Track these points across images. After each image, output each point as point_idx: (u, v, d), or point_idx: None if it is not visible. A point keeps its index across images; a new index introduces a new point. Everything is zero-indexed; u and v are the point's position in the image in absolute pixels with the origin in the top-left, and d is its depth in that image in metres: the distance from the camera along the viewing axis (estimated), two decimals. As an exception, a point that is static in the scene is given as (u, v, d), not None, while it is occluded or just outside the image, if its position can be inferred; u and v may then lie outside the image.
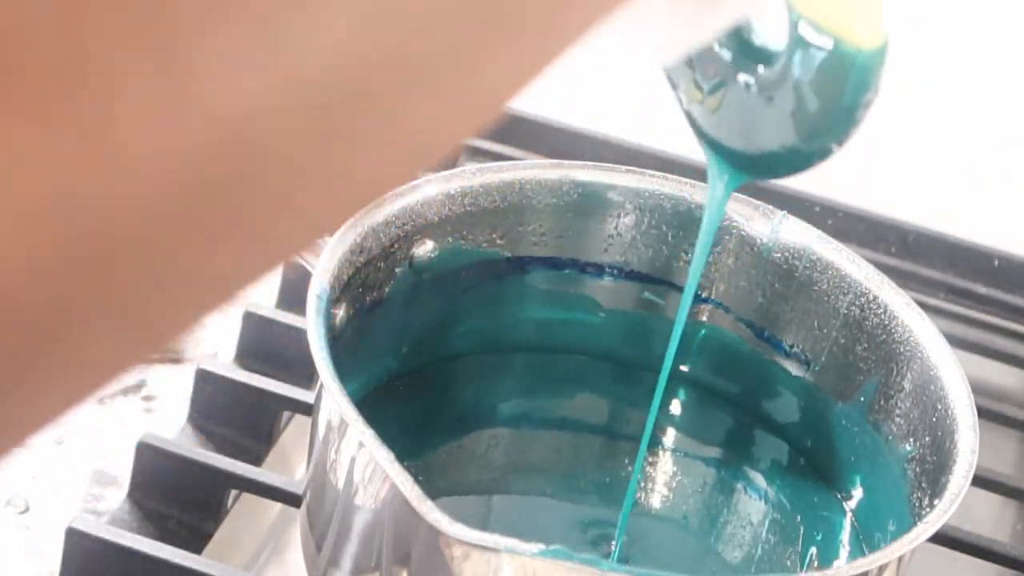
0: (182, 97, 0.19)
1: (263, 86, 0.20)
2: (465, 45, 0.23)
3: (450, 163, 0.87)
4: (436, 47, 0.23)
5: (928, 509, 0.52)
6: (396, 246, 0.59)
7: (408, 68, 0.22)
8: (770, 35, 0.37)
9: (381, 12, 0.21)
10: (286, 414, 0.67)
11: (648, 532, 0.60)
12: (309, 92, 0.21)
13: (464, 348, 0.64)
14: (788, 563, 0.59)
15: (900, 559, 0.49)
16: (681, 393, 0.66)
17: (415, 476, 0.44)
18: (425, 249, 0.60)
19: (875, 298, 0.60)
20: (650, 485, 0.62)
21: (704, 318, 0.65)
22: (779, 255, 0.63)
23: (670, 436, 0.65)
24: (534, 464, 0.63)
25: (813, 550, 0.59)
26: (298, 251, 0.26)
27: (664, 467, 0.63)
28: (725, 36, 0.38)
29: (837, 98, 0.36)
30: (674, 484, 0.63)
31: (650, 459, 0.63)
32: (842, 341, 0.62)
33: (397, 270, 0.59)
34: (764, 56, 0.38)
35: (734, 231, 0.63)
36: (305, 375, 0.67)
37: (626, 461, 0.62)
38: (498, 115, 0.26)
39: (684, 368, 0.66)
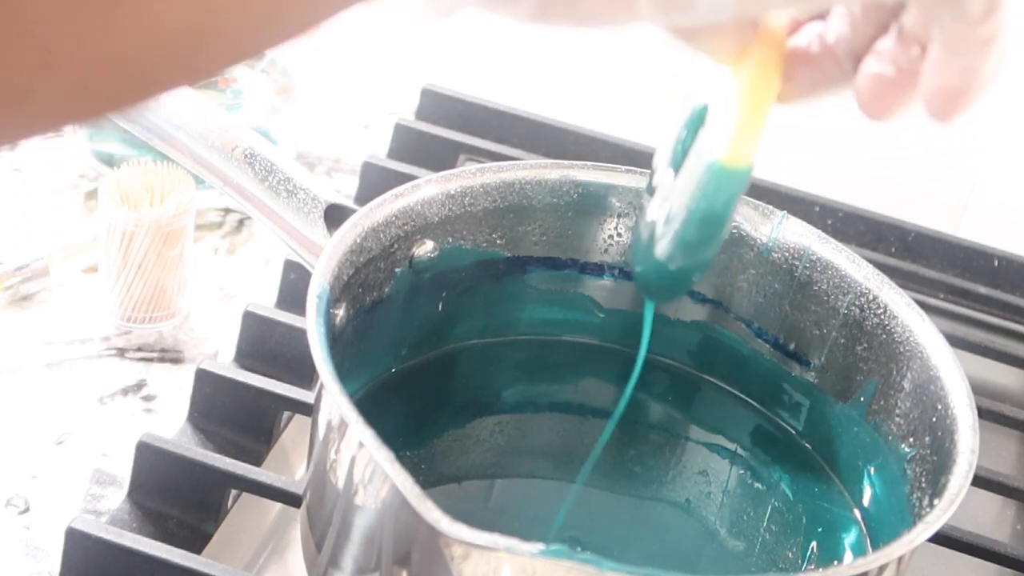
0: None
1: None
2: None
3: (450, 164, 0.87)
4: None
5: (928, 509, 0.52)
6: (396, 246, 0.59)
7: None
8: (669, 156, 0.48)
9: None
10: (286, 414, 0.67)
11: (649, 516, 0.60)
12: None
13: (464, 346, 0.64)
14: (789, 555, 0.59)
15: (900, 559, 0.49)
16: (683, 383, 0.66)
17: (418, 465, 0.44)
18: (425, 249, 0.60)
19: (875, 298, 0.60)
20: (652, 469, 0.62)
21: (704, 318, 0.65)
22: (779, 255, 0.63)
23: (670, 422, 0.65)
24: (537, 448, 0.63)
25: (814, 543, 0.59)
26: None
27: (666, 452, 0.63)
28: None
29: (718, 204, 0.46)
30: (676, 469, 0.63)
31: (652, 444, 0.63)
32: (842, 341, 0.62)
33: (397, 270, 0.59)
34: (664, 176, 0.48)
35: (734, 231, 0.63)
36: (305, 375, 0.67)
37: (628, 444, 0.63)
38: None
39: (684, 365, 0.66)
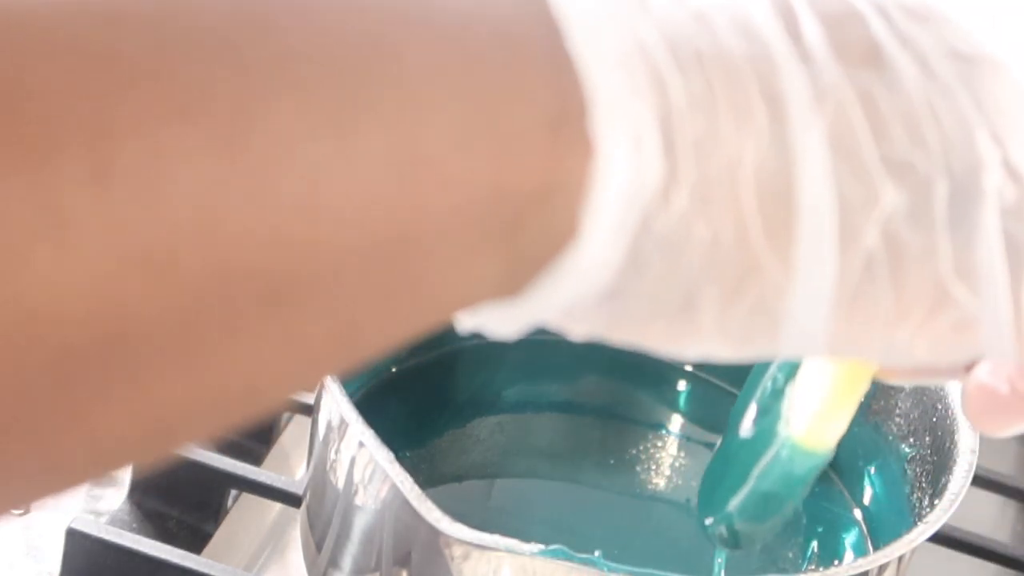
0: None
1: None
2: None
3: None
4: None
5: (928, 509, 0.52)
6: (396, 246, 0.58)
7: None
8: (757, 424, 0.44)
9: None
10: (286, 414, 0.67)
11: (650, 516, 0.60)
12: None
13: (465, 346, 0.64)
14: (789, 555, 0.59)
15: (900, 559, 0.49)
16: (682, 382, 0.66)
17: (418, 465, 0.44)
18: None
19: (875, 298, 0.60)
20: (653, 469, 0.62)
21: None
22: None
23: (674, 422, 0.65)
24: (537, 448, 0.63)
25: (814, 543, 0.59)
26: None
27: (667, 452, 0.63)
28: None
29: (791, 482, 0.43)
30: (677, 469, 0.63)
31: (653, 444, 0.63)
32: (842, 341, 0.61)
33: (397, 270, 0.59)
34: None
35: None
36: (305, 375, 0.67)
37: (629, 444, 0.63)
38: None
39: (683, 365, 0.66)
